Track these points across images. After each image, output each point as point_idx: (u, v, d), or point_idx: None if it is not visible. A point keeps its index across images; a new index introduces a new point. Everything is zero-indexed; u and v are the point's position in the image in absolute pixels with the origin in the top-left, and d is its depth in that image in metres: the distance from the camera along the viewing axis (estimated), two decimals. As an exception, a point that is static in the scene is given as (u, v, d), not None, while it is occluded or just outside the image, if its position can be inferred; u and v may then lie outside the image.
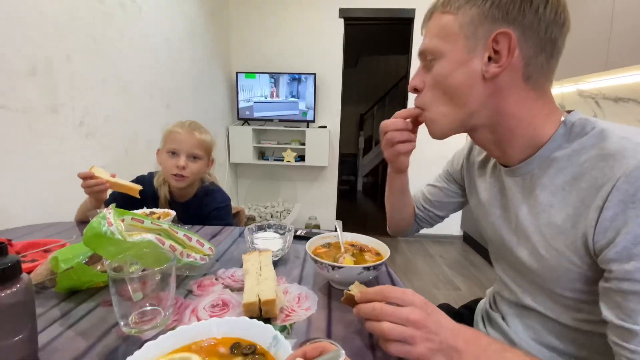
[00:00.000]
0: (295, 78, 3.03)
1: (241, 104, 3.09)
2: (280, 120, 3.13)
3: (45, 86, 1.19)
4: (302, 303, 0.58)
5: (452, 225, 3.24)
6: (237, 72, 3.05)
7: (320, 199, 3.42)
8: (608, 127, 0.46)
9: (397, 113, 0.66)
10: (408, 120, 0.65)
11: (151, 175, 1.18)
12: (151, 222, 0.63)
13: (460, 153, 0.75)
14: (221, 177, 2.97)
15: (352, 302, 0.47)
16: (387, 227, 0.89)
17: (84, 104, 1.36)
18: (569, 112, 0.51)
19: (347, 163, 5.55)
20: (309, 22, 3.07)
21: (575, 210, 0.45)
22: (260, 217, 3.26)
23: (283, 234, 0.80)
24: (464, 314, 0.79)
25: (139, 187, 0.96)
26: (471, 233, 3.07)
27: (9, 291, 0.37)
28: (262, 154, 3.34)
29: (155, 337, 0.39)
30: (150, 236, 0.57)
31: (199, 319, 0.52)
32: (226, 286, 0.63)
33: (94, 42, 1.41)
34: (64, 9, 1.24)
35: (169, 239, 0.61)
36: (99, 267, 0.60)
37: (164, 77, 1.99)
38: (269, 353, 0.38)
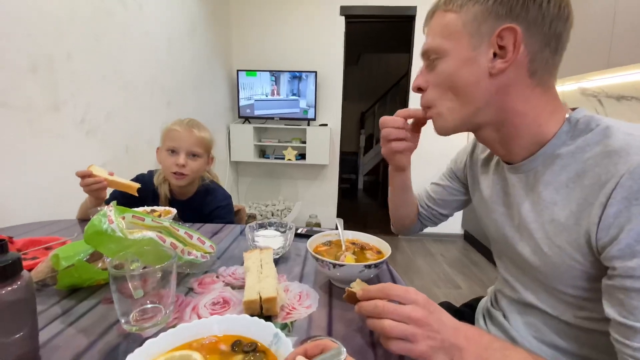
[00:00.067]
0: (296, 76, 3.03)
1: (242, 102, 3.09)
2: (281, 119, 3.12)
3: (46, 84, 1.19)
4: (303, 301, 0.58)
5: (453, 223, 3.23)
6: (237, 70, 3.04)
7: (321, 198, 3.42)
8: (613, 125, 0.45)
9: (400, 111, 0.66)
10: (410, 120, 0.65)
11: (151, 173, 1.18)
12: (152, 220, 0.63)
13: (464, 151, 0.75)
14: (222, 175, 2.97)
15: (353, 299, 0.47)
16: (392, 226, 0.89)
17: (84, 102, 1.36)
18: (573, 109, 0.51)
19: (348, 161, 5.54)
20: (310, 20, 3.06)
21: (579, 207, 0.45)
22: (261, 215, 3.27)
23: (284, 231, 0.80)
24: (465, 313, 0.79)
25: (137, 185, 0.96)
26: (472, 232, 3.07)
27: (9, 288, 0.37)
28: (262, 152, 3.33)
29: (156, 334, 0.39)
30: (151, 234, 0.57)
31: (199, 317, 0.52)
32: (227, 284, 0.63)
33: (95, 40, 1.41)
34: (64, 6, 1.24)
35: (170, 236, 0.61)
36: (100, 265, 0.60)
37: (164, 74, 1.98)
38: (269, 351, 0.38)
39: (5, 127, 1.05)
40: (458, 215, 3.23)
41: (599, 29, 1.68)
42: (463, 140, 2.79)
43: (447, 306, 0.83)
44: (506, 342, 0.43)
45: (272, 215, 3.28)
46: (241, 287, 0.60)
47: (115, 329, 0.48)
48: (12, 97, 1.07)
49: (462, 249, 3.04)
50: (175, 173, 1.07)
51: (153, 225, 0.62)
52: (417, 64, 3.05)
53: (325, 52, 3.10)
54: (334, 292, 0.61)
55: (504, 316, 0.63)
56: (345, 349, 0.34)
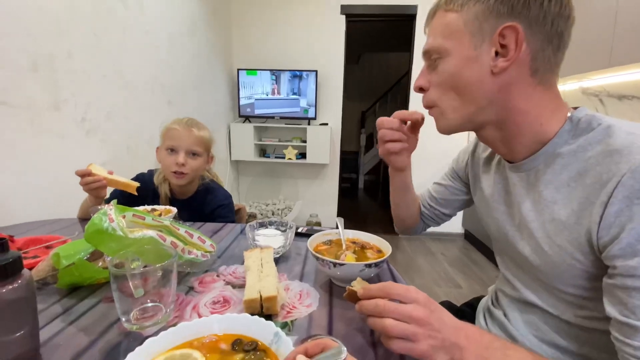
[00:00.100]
0: (297, 75, 3.02)
1: (242, 101, 3.09)
2: (281, 118, 3.12)
3: (47, 83, 1.19)
4: (303, 300, 0.58)
5: (453, 223, 3.18)
6: (238, 69, 3.04)
7: (321, 197, 3.42)
8: (615, 124, 0.45)
9: (397, 113, 0.66)
10: (408, 123, 0.65)
11: (151, 173, 1.18)
12: (152, 219, 0.63)
13: (466, 150, 0.75)
14: (222, 174, 2.97)
15: (354, 298, 0.47)
16: (394, 226, 0.89)
17: (85, 101, 1.36)
18: (575, 108, 0.51)
19: (348, 161, 5.54)
20: (311, 19, 3.05)
21: (580, 206, 0.45)
22: (262, 214, 3.27)
23: (284, 231, 0.80)
24: (465, 312, 0.79)
25: (136, 184, 0.96)
26: (472, 231, 3.07)
27: (10, 287, 0.37)
28: (263, 151, 3.33)
29: (156, 333, 0.39)
30: (151, 233, 0.57)
31: (200, 316, 0.52)
32: (227, 283, 0.63)
33: (95, 39, 1.41)
34: (65, 5, 1.24)
35: (171, 235, 0.61)
36: (100, 264, 0.60)
37: (165, 73, 1.98)
38: (270, 350, 0.38)
39: (6, 126, 1.05)
40: (459, 215, 3.21)
41: (600, 28, 1.68)
42: (464, 139, 2.79)
43: (448, 305, 0.83)
44: (507, 341, 0.43)
45: (273, 214, 3.28)
46: (242, 286, 0.60)
47: (115, 327, 0.48)
48: (13, 96, 1.07)
49: (462, 248, 3.04)
50: (175, 172, 1.07)
51: (153, 224, 0.62)
52: (418, 63, 3.05)
53: (326, 51, 3.09)
54: (334, 291, 0.61)
55: (505, 315, 0.63)
56: (345, 348, 0.34)
